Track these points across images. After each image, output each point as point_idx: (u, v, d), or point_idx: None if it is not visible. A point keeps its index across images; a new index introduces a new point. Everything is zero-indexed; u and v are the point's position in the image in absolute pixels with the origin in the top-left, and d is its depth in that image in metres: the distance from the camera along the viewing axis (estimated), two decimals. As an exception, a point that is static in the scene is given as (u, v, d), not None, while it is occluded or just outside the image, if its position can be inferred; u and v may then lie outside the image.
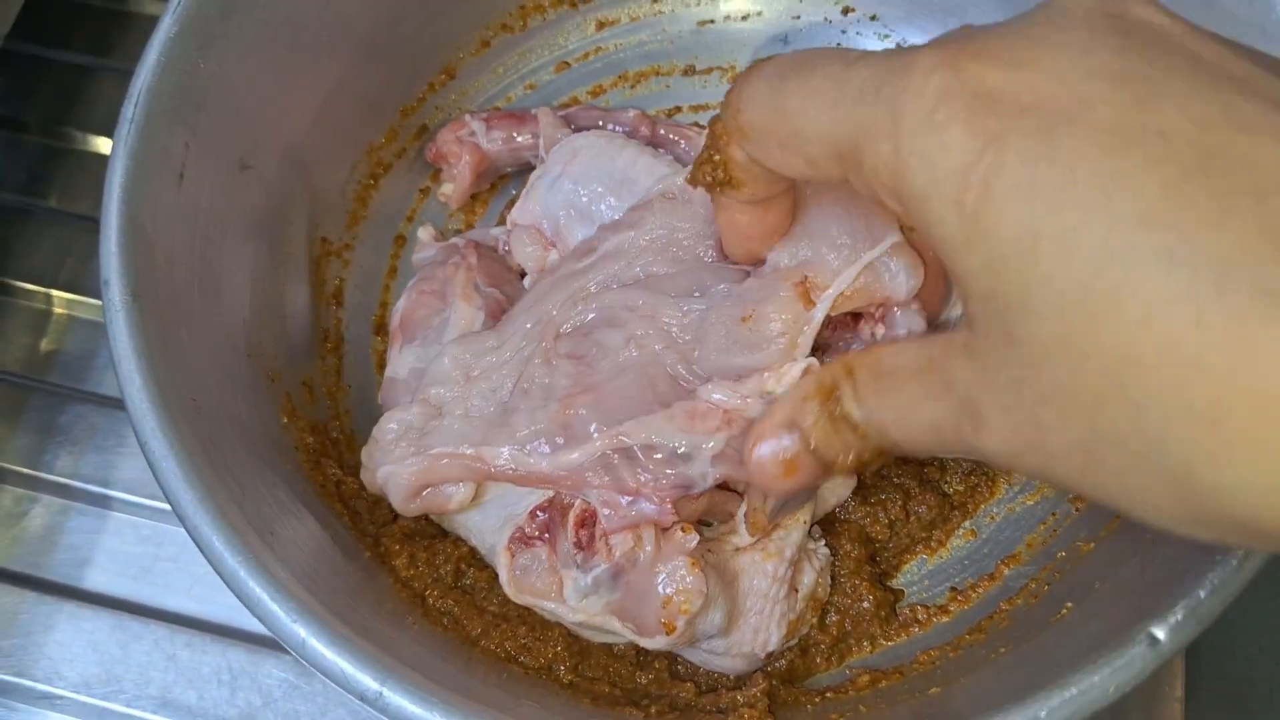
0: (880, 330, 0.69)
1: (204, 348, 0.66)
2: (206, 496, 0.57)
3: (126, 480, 0.85)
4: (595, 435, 0.64)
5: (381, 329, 0.84)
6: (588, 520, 0.65)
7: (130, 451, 0.86)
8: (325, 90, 0.79)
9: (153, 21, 0.66)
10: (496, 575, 0.67)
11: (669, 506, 0.62)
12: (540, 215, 0.79)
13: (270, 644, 0.80)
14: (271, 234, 0.76)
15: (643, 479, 0.63)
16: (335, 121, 0.81)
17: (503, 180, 0.90)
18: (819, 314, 0.64)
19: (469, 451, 0.66)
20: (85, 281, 0.93)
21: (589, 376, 0.66)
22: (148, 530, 0.84)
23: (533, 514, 0.68)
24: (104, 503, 0.85)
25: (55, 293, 0.93)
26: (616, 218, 0.75)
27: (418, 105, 0.88)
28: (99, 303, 0.90)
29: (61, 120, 1.00)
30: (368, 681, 0.54)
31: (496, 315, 0.75)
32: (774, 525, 0.68)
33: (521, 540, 0.67)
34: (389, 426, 0.71)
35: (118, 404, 0.87)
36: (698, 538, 0.63)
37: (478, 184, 0.87)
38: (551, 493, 0.68)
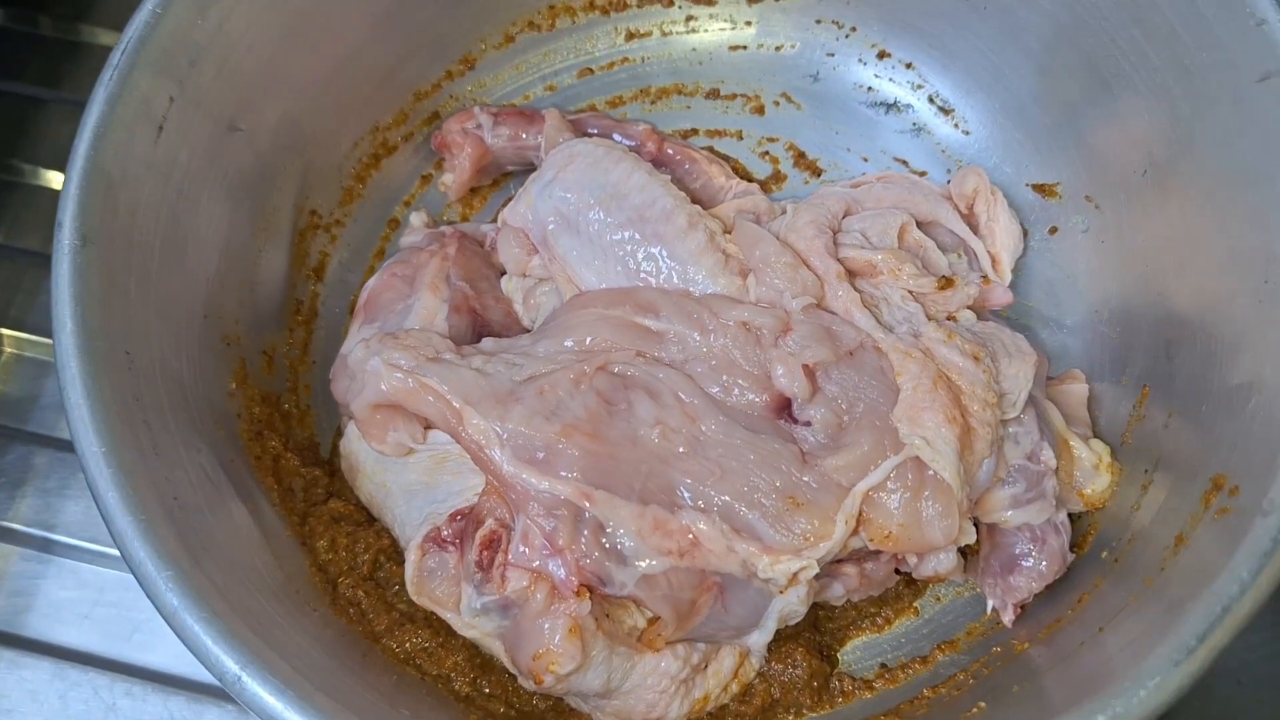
0: (913, 560, 0.68)
1: (155, 302, 0.66)
2: (112, 452, 0.56)
3: (69, 524, 0.84)
4: (568, 479, 0.62)
5: (358, 308, 0.84)
6: (494, 543, 0.63)
7: (74, 494, 0.85)
8: (334, 63, 0.79)
9: (106, 52, 0.65)
10: (411, 573, 0.67)
11: (574, 582, 0.61)
12: (530, 220, 0.77)
13: (213, 692, 0.79)
14: (255, 199, 0.76)
15: (573, 547, 0.61)
16: (341, 96, 0.81)
17: (505, 177, 0.89)
18: (839, 533, 0.63)
19: (455, 403, 0.65)
20: (33, 319, 0.91)
21: (603, 425, 0.65)
22: (89, 574, 0.83)
23: (453, 516, 0.67)
24: (45, 546, 0.84)
25: (2, 331, 0.91)
26: (626, 235, 0.73)
27: (432, 91, 0.88)
28: (47, 341, 0.91)
29: (10, 153, 0.97)
30: (228, 663, 0.53)
31: (462, 310, 0.74)
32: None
33: (435, 541, 0.66)
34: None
35: (61, 445, 0.86)
36: (589, 605, 0.61)
37: (478, 178, 0.86)
38: (476, 500, 0.67)
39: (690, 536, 0.63)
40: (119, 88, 0.64)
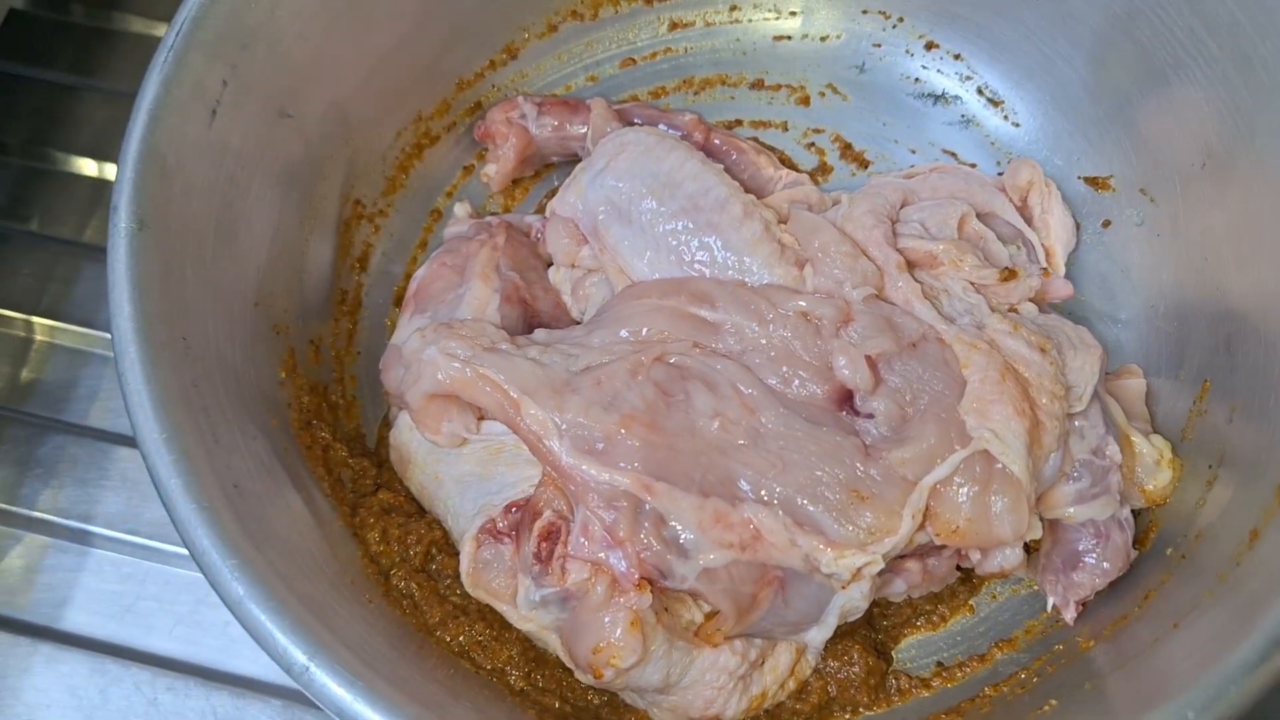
0: (977, 556, 0.67)
1: (209, 288, 0.65)
2: (173, 438, 0.55)
3: (108, 515, 0.82)
4: (628, 470, 0.61)
5: (402, 300, 0.82)
6: (553, 534, 0.62)
7: (112, 485, 0.83)
8: (380, 52, 0.78)
9: (139, 40, 0.64)
10: (464, 565, 0.66)
11: (635, 575, 0.60)
12: (579, 210, 0.76)
13: (257, 688, 0.77)
14: (303, 187, 0.75)
15: (634, 539, 0.60)
16: (386, 85, 0.80)
17: (548, 169, 0.88)
18: (906, 527, 0.62)
19: (513, 393, 0.64)
20: (67, 308, 0.90)
21: (661, 416, 0.64)
22: (129, 568, 0.81)
23: (508, 509, 0.66)
24: (84, 539, 0.82)
25: (36, 319, 0.90)
26: (676, 227, 0.71)
27: (475, 80, 0.87)
28: (81, 330, 0.90)
29: (43, 141, 0.96)
30: (296, 654, 0.52)
31: (512, 300, 0.73)
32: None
33: (491, 533, 0.65)
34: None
35: (99, 435, 0.85)
36: (650, 599, 0.60)
37: (521, 168, 0.85)
38: (531, 491, 0.66)
39: (752, 529, 0.62)
40: (174, 70, 0.63)
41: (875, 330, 0.66)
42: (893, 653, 0.72)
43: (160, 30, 1.00)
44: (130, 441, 0.85)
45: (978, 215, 0.75)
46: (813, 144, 0.88)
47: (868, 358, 0.66)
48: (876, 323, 0.67)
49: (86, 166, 0.97)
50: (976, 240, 0.73)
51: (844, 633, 0.70)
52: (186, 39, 0.64)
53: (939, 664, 0.71)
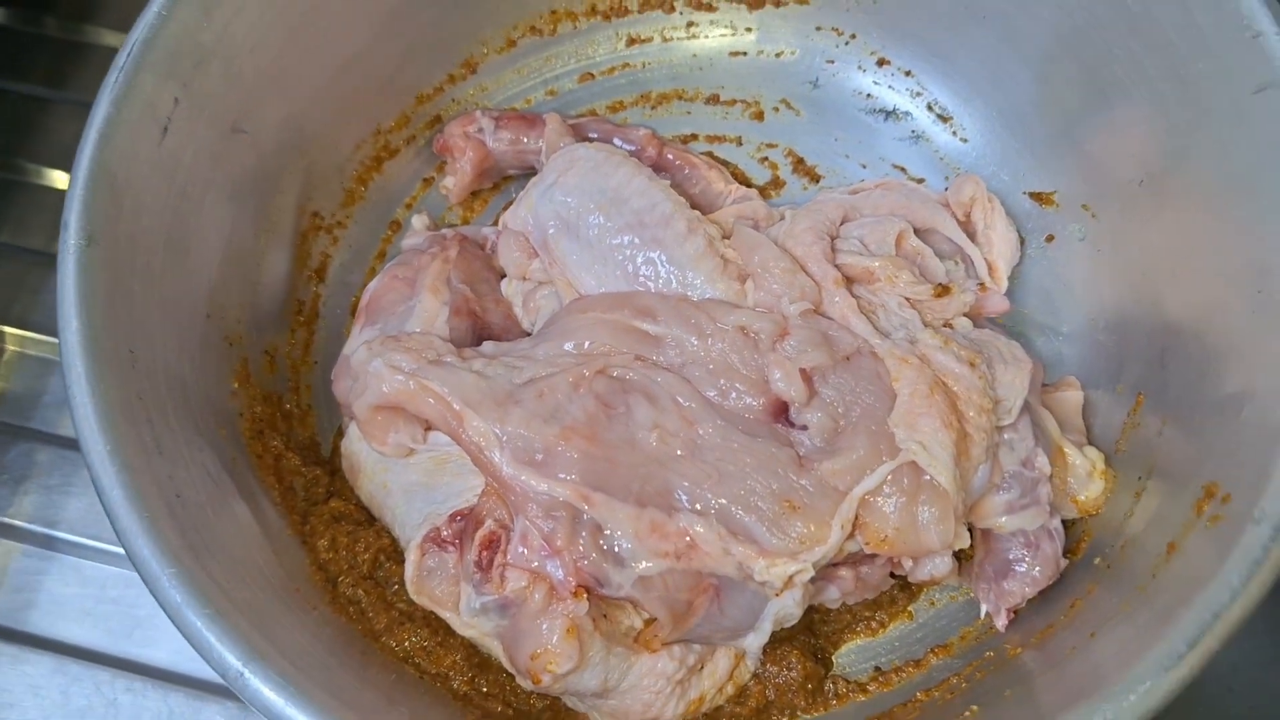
0: (909, 564, 0.69)
1: (158, 301, 0.66)
2: (116, 450, 0.57)
3: (71, 520, 0.84)
4: (567, 481, 0.63)
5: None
6: (493, 543, 0.64)
7: (77, 491, 0.85)
8: (336, 66, 0.80)
9: (111, 53, 0.66)
10: (410, 573, 0.67)
11: (572, 583, 0.62)
12: (530, 223, 0.78)
13: (212, 689, 0.79)
14: (258, 201, 0.76)
15: (571, 548, 0.62)
16: (343, 98, 0.81)
17: (506, 180, 0.89)
18: (835, 537, 0.64)
19: (456, 406, 0.65)
20: (37, 318, 0.92)
21: (601, 428, 0.65)
22: (91, 571, 0.83)
23: (453, 517, 0.68)
24: (48, 543, 0.84)
25: (6, 329, 0.91)
26: (629, 241, 0.73)
27: (434, 94, 0.88)
28: (51, 340, 0.91)
29: (14, 152, 0.98)
30: (230, 659, 0.53)
31: (462, 312, 0.75)
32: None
33: (435, 541, 0.67)
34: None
35: (65, 443, 0.87)
36: (586, 606, 0.62)
37: (480, 181, 0.87)
38: (476, 500, 0.67)
39: (687, 539, 0.64)
40: (124, 89, 0.65)
41: (810, 344, 0.68)
42: (832, 658, 0.74)
43: (131, 41, 1.02)
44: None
45: (919, 231, 0.77)
46: (766, 158, 0.90)
47: (802, 371, 0.67)
48: (812, 337, 0.68)
49: (58, 179, 0.98)
50: (914, 256, 0.75)
51: (783, 638, 0.71)
52: (137, 59, 0.65)
53: (877, 669, 0.73)
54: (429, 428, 0.70)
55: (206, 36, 0.69)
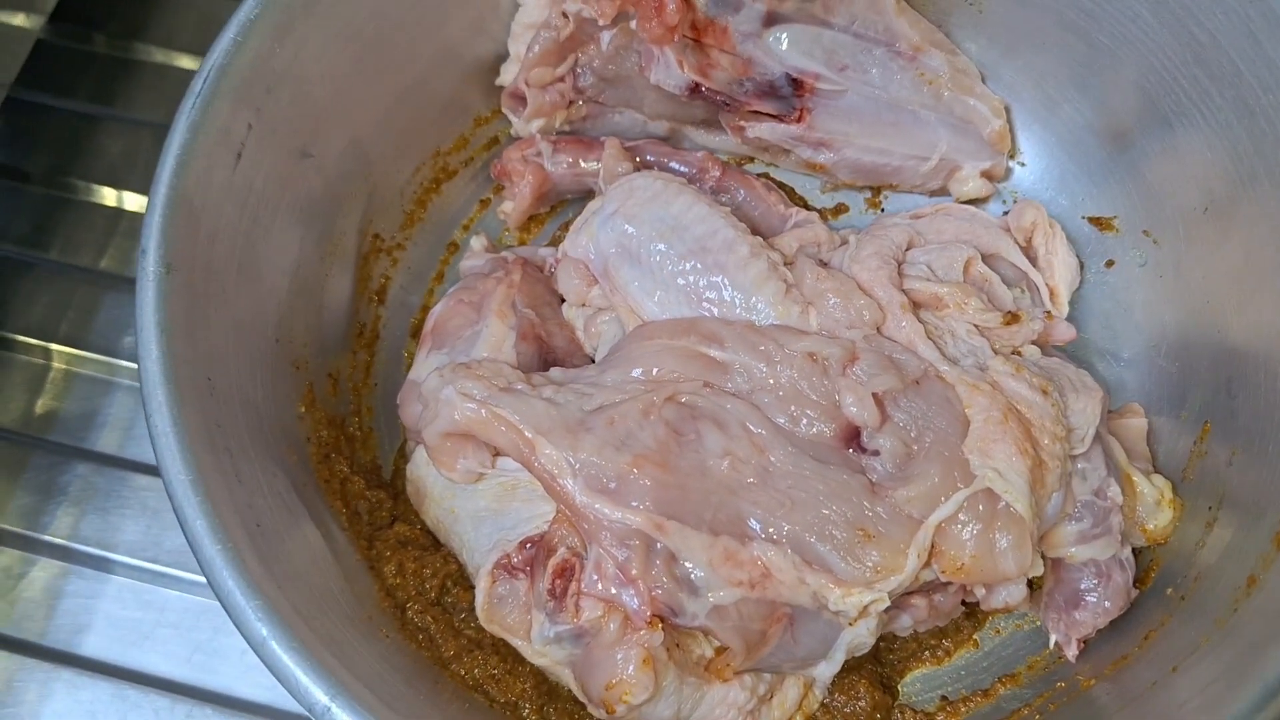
0: (981, 592, 0.69)
1: (232, 328, 0.66)
2: (199, 480, 0.57)
3: (128, 543, 0.84)
4: (640, 509, 0.63)
5: (419, 331, 0.84)
6: (567, 571, 0.64)
7: (132, 513, 0.85)
8: (399, 90, 0.80)
9: (159, 70, 0.66)
10: (478, 599, 0.67)
11: (647, 613, 0.61)
12: (591, 252, 0.78)
13: (273, 715, 0.79)
14: (323, 224, 0.76)
15: (646, 577, 0.62)
16: (405, 122, 0.82)
17: (562, 203, 0.89)
18: (911, 566, 0.64)
19: (528, 434, 0.65)
20: (86, 336, 0.92)
21: (672, 455, 0.65)
22: (148, 595, 0.83)
23: (523, 544, 0.67)
24: (104, 566, 0.84)
25: (55, 347, 0.92)
26: (691, 273, 0.73)
27: (491, 117, 0.88)
28: (101, 358, 0.92)
29: (65, 170, 0.98)
30: (317, 694, 0.53)
31: (528, 337, 0.75)
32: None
33: (505, 568, 0.67)
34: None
35: (119, 463, 0.87)
36: (662, 636, 0.62)
37: (538, 205, 0.87)
38: (545, 527, 0.67)
39: (761, 567, 0.64)
40: (201, 115, 0.65)
41: (880, 368, 0.68)
42: (898, 686, 0.74)
43: (180, 61, 1.02)
44: (150, 470, 0.87)
45: (983, 257, 0.77)
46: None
47: (874, 395, 0.67)
48: (881, 361, 0.68)
49: (106, 196, 0.99)
50: (982, 283, 0.75)
51: (850, 667, 0.71)
52: (214, 86, 0.66)
53: (943, 698, 0.73)
54: (497, 454, 0.70)
55: (278, 63, 0.69)
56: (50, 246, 0.96)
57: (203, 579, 0.80)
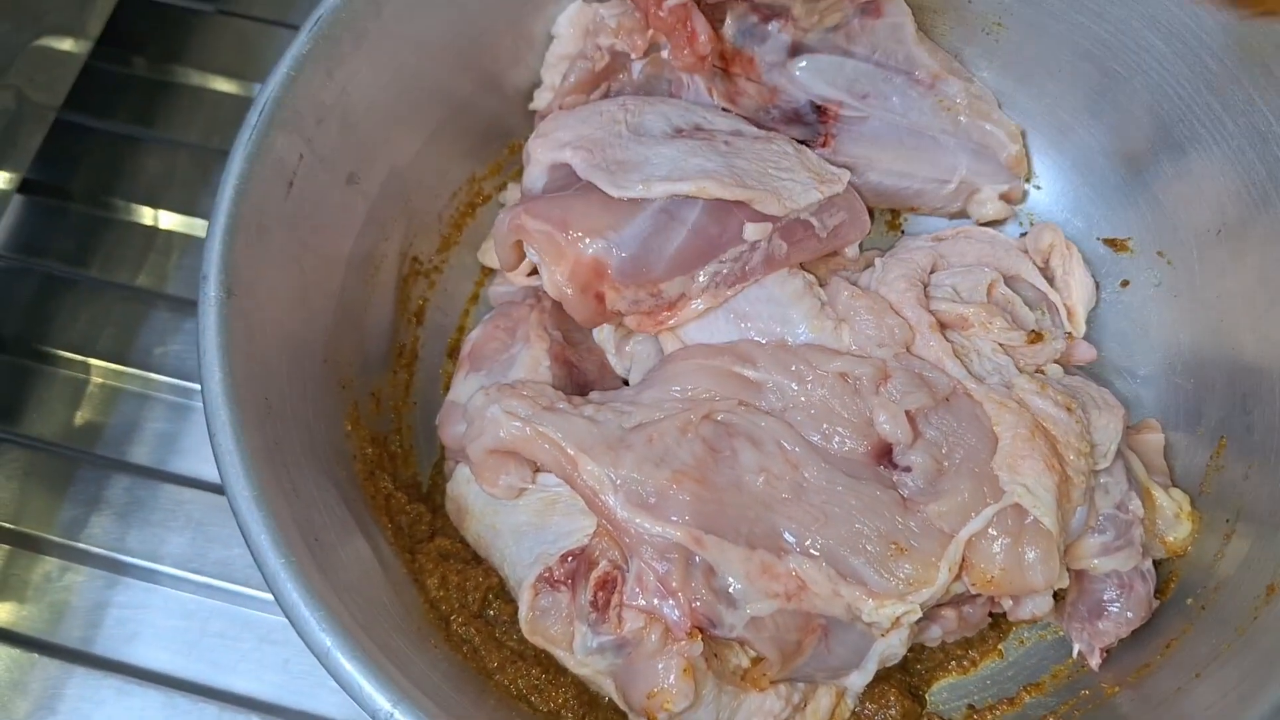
0: (1008, 603, 0.71)
1: (286, 349, 0.69)
2: (261, 496, 0.59)
3: (174, 555, 0.87)
4: (679, 523, 0.65)
5: (455, 352, 0.87)
6: (608, 584, 0.66)
7: (178, 525, 0.88)
8: (440, 118, 0.83)
9: (197, 93, 0.68)
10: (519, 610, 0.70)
11: (687, 624, 0.64)
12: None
13: None
14: (366, 248, 0.79)
15: (686, 589, 0.64)
16: (444, 148, 0.84)
17: (593, 226, 0.92)
18: (943, 578, 0.66)
19: (570, 450, 0.68)
20: (126, 352, 0.94)
21: (710, 471, 0.68)
22: (194, 605, 0.85)
23: (564, 558, 0.70)
24: (151, 577, 0.87)
25: (95, 362, 0.94)
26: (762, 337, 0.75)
27: (526, 143, 0.91)
28: (141, 373, 0.95)
29: (104, 189, 1.01)
30: (381, 701, 0.55)
31: (559, 358, 0.77)
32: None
33: (548, 581, 0.69)
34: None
35: (162, 476, 0.90)
36: (701, 646, 0.64)
37: (568, 226, 0.90)
38: (585, 541, 0.70)
39: (797, 580, 0.66)
40: (257, 146, 0.68)
41: (913, 386, 0.70)
42: (926, 696, 0.76)
43: (217, 84, 1.05)
44: (191, 483, 0.90)
45: (1004, 278, 0.79)
46: (844, 204, 0.92)
47: (907, 412, 0.70)
48: (913, 379, 0.71)
49: (145, 215, 1.02)
50: (1005, 304, 0.77)
51: (880, 676, 0.73)
52: (269, 117, 0.68)
53: (970, 707, 0.75)
54: (538, 469, 0.73)
55: (327, 95, 0.72)
56: (91, 264, 0.99)
57: (247, 590, 0.84)
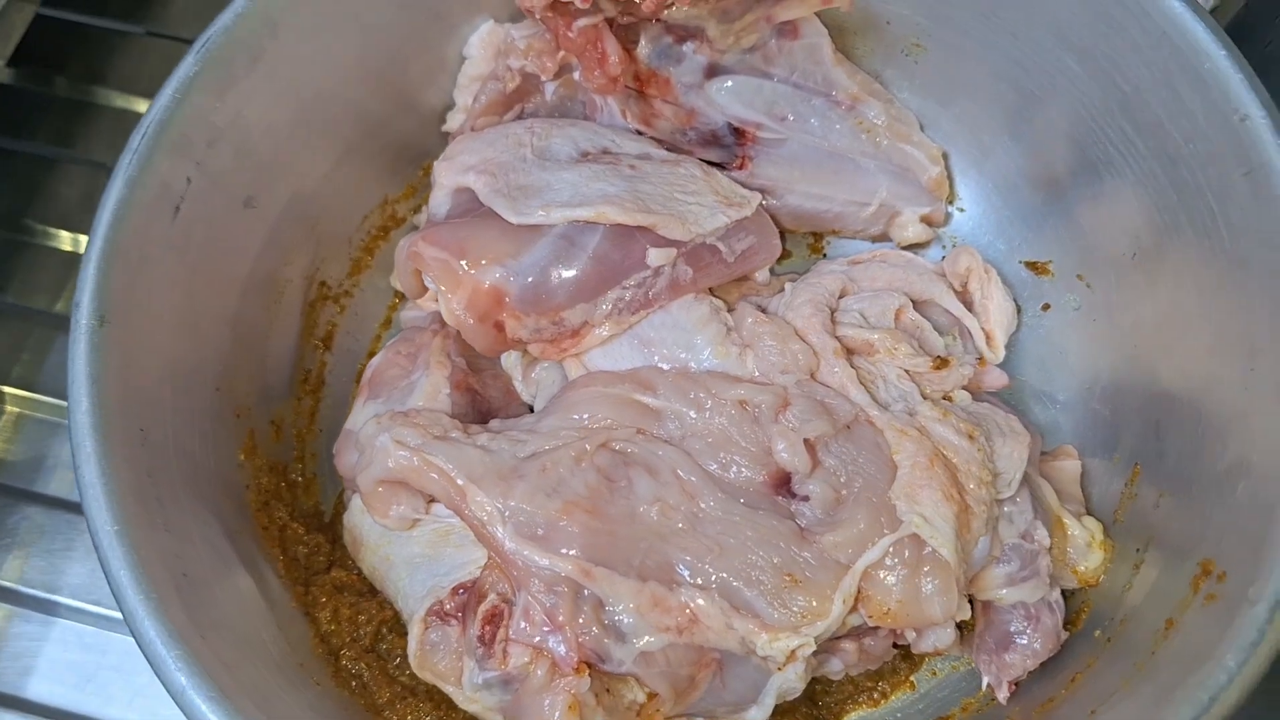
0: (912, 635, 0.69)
1: (170, 378, 0.67)
2: (125, 531, 0.58)
3: (73, 585, 0.85)
4: (568, 556, 0.64)
5: (364, 377, 0.85)
6: (496, 617, 0.64)
7: (78, 556, 0.86)
8: (351, 139, 0.81)
9: (119, 114, 0.67)
10: (413, 646, 0.68)
11: (574, 658, 0.62)
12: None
13: None
14: (267, 272, 0.77)
15: (573, 623, 0.63)
16: (356, 170, 0.83)
17: (510, 249, 0.90)
18: (837, 611, 0.65)
19: (459, 481, 0.66)
20: (40, 379, 0.93)
21: (603, 502, 0.66)
22: (91, 638, 0.84)
23: (456, 590, 0.68)
24: (49, 608, 0.85)
25: (8, 389, 0.93)
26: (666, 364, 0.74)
27: (438, 165, 0.90)
28: (53, 401, 0.93)
29: (22, 213, 0.99)
30: (235, 744, 0.54)
31: (461, 385, 0.76)
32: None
33: (438, 614, 0.67)
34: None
35: (68, 506, 0.88)
36: (589, 682, 0.62)
37: (484, 250, 0.88)
38: (479, 573, 0.68)
39: (689, 613, 0.64)
40: (138, 171, 0.66)
41: (813, 414, 0.69)
42: (836, 733, 0.74)
43: (139, 106, 1.04)
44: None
45: (917, 304, 0.78)
46: (766, 227, 0.91)
47: (806, 441, 0.68)
48: (813, 406, 0.69)
49: (64, 239, 1.00)
50: (913, 330, 0.76)
51: (785, 710, 0.72)
52: (152, 141, 0.67)
53: (879, 742, 0.73)
54: (432, 500, 0.71)
55: (219, 118, 0.71)
56: (7, 289, 0.97)
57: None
